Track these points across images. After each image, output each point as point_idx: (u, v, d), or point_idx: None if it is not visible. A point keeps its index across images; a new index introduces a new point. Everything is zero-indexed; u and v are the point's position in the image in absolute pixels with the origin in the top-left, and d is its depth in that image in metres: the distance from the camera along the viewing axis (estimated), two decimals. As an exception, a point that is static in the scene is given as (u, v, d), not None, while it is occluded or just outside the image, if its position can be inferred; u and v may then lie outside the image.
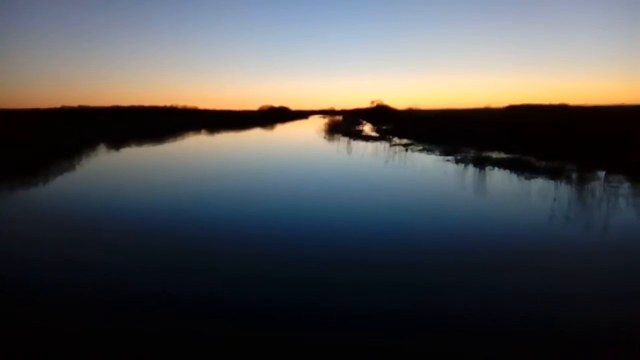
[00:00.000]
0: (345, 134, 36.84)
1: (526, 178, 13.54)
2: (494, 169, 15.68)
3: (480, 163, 16.96)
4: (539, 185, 12.37)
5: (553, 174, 13.95)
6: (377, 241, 7.44)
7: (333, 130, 41.54)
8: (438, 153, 21.31)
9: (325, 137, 34.85)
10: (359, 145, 26.79)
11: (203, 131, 45.73)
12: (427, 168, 16.63)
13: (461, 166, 16.53)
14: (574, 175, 13.77)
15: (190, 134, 40.66)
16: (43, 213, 9.76)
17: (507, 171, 14.99)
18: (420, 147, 24.30)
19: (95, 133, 32.36)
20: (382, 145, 26.39)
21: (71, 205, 10.56)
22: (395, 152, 22.25)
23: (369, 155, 21.37)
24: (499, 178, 13.91)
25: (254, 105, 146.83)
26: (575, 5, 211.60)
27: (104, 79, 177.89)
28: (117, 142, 29.66)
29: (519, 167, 15.66)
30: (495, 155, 19.18)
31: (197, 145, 30.77)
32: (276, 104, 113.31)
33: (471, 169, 15.87)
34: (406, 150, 23.40)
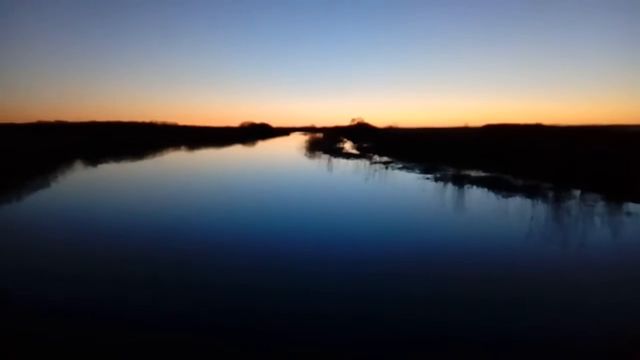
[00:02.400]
0: (326, 151, 36.93)
1: (504, 196, 13.66)
2: (472, 186, 15.80)
3: (459, 181, 17.09)
4: (517, 203, 12.47)
5: (530, 192, 14.13)
6: (358, 256, 7.30)
7: (314, 148, 41.60)
8: (417, 171, 21.44)
9: (306, 154, 34.82)
10: (340, 163, 26.82)
11: (183, 147, 45.20)
12: (407, 186, 16.68)
13: (440, 184, 16.62)
14: (550, 194, 13.97)
15: (170, 150, 40.09)
16: (16, 232, 9.31)
17: (485, 189, 15.12)
18: (400, 165, 24.44)
19: (71, 148, 31.58)
20: (362, 163, 26.48)
21: (44, 224, 10.09)
22: (375, 170, 22.30)
23: (350, 172, 21.37)
24: (477, 196, 14.01)
25: (235, 122, 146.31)
26: (553, 29, 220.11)
27: (81, 94, 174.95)
28: (93, 158, 28.95)
29: (497, 185, 15.83)
30: (473, 173, 19.40)
31: (176, 161, 30.29)
32: (257, 121, 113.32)
33: (450, 186, 15.96)
34: (386, 167, 23.50)
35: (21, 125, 61.13)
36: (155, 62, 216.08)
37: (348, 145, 48.58)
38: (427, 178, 18.51)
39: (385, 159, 29.32)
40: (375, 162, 26.75)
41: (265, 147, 50.98)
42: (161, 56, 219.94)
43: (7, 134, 37.28)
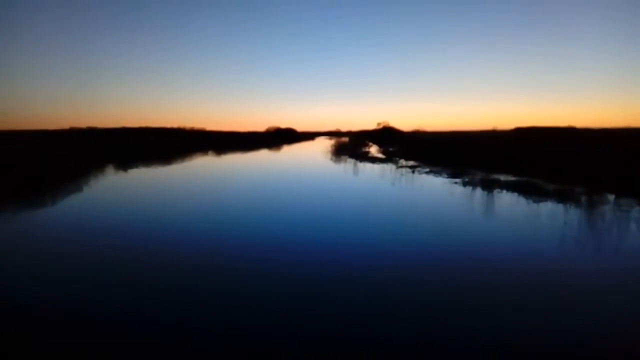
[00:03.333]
0: (351, 156, 36.96)
1: (535, 201, 13.39)
2: (502, 191, 15.54)
3: (488, 185, 16.84)
4: (549, 209, 12.21)
5: (563, 197, 13.80)
6: (389, 263, 7.33)
7: (339, 152, 41.71)
8: (445, 175, 21.22)
9: (332, 159, 34.95)
10: (366, 167, 26.83)
11: (210, 152, 46.01)
12: (435, 190, 16.52)
13: (469, 188, 16.41)
14: (583, 199, 13.59)
15: (198, 155, 40.88)
16: (52, 236, 9.77)
17: (516, 194, 14.84)
18: (427, 169, 24.24)
19: (102, 154, 32.68)
20: (388, 167, 26.40)
21: (80, 227, 10.56)
22: (402, 174, 22.18)
23: (376, 176, 21.35)
24: (508, 201, 13.77)
25: (261, 127, 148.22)
26: (586, 29, 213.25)
27: (111, 101, 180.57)
28: (124, 163, 29.90)
29: (528, 189, 15.52)
30: (503, 177, 19.06)
31: (204, 166, 30.89)
32: (283, 126, 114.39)
33: (479, 191, 15.74)
34: (413, 172, 23.34)
35: (55, 132, 63.97)
36: (183, 69, 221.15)
37: (374, 150, 48.46)
38: (455, 182, 18.31)
39: (411, 163, 29.13)
40: (401, 167, 26.62)
41: (291, 152, 51.37)
42: (189, 63, 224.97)
43: (43, 139, 38.92)
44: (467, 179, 19.02)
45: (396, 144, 49.36)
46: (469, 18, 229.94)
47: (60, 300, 5.81)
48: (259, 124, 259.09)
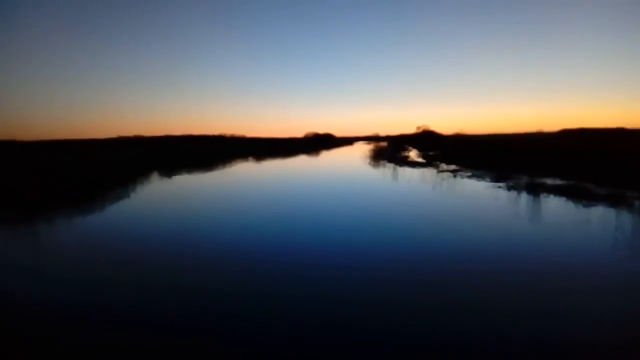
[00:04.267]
0: (390, 160, 36.83)
1: (585, 206, 12.96)
2: (549, 195, 15.12)
3: (534, 189, 16.41)
4: (600, 214, 11.80)
5: (614, 202, 13.28)
6: (439, 271, 7.42)
7: (378, 156, 41.65)
8: (488, 179, 20.82)
9: (370, 164, 34.94)
10: (405, 171, 26.67)
11: (250, 159, 47.00)
12: (478, 195, 16.25)
13: (514, 193, 16.05)
14: (637, 203, 13.02)
15: (238, 162, 41.90)
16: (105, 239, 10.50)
17: (564, 198, 14.41)
18: (469, 173, 23.85)
19: (148, 161, 34.14)
20: (428, 171, 26.14)
21: (134, 231, 11.27)
22: (442, 179, 21.94)
23: (416, 181, 21.20)
24: (555, 206, 13.39)
25: (299, 133, 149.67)
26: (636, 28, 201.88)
27: (157, 110, 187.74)
28: (168, 169, 31.14)
29: (577, 194, 15.03)
30: (549, 181, 18.50)
31: (246, 172, 31.60)
32: (321, 131, 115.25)
33: (525, 196, 15.37)
34: (454, 176, 23.03)
35: (104, 140, 67.63)
36: (226, 80, 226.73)
37: (413, 154, 47.98)
38: (499, 187, 17.94)
39: (452, 167, 28.72)
40: (442, 171, 26.30)
41: (329, 157, 51.63)
42: (230, 73, 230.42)
43: (92, 147, 41.26)
44: (511, 183, 18.60)
45: (436, 148, 48.66)
46: (512, 21, 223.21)
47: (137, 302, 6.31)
48: (297, 130, 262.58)
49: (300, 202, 15.93)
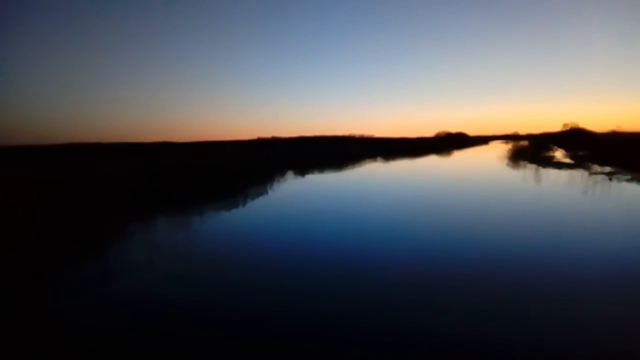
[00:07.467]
0: (532, 161, 34.38)
1: None
2: None
3: None
4: None
5: None
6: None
7: (518, 157, 39.10)
8: (653, 183, 18.41)
9: (508, 164, 33.05)
10: (550, 173, 24.85)
11: (379, 158, 47.61)
12: None
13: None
14: None
15: (367, 161, 42.65)
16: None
17: None
18: (629, 176, 21.27)
19: (283, 161, 36.74)
20: (578, 174, 23.95)
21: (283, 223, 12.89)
22: (596, 182, 19.99)
23: (563, 185, 19.74)
24: None
25: (430, 132, 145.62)
26: None
27: (293, 113, 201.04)
28: (301, 168, 33.25)
29: None
30: None
31: (376, 172, 32.27)
32: (453, 130, 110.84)
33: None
34: (610, 179, 20.78)
35: (245, 142, 75.68)
36: (354, 81, 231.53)
37: (559, 154, 43.84)
38: (667, 192, 15.83)
39: (607, 169, 25.80)
40: (594, 173, 23.83)
41: (462, 157, 49.83)
42: (360, 74, 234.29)
43: (235, 149, 46.89)
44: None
45: (587, 147, 43.61)
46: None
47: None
48: (428, 129, 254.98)
49: (425, 203, 16.14)
